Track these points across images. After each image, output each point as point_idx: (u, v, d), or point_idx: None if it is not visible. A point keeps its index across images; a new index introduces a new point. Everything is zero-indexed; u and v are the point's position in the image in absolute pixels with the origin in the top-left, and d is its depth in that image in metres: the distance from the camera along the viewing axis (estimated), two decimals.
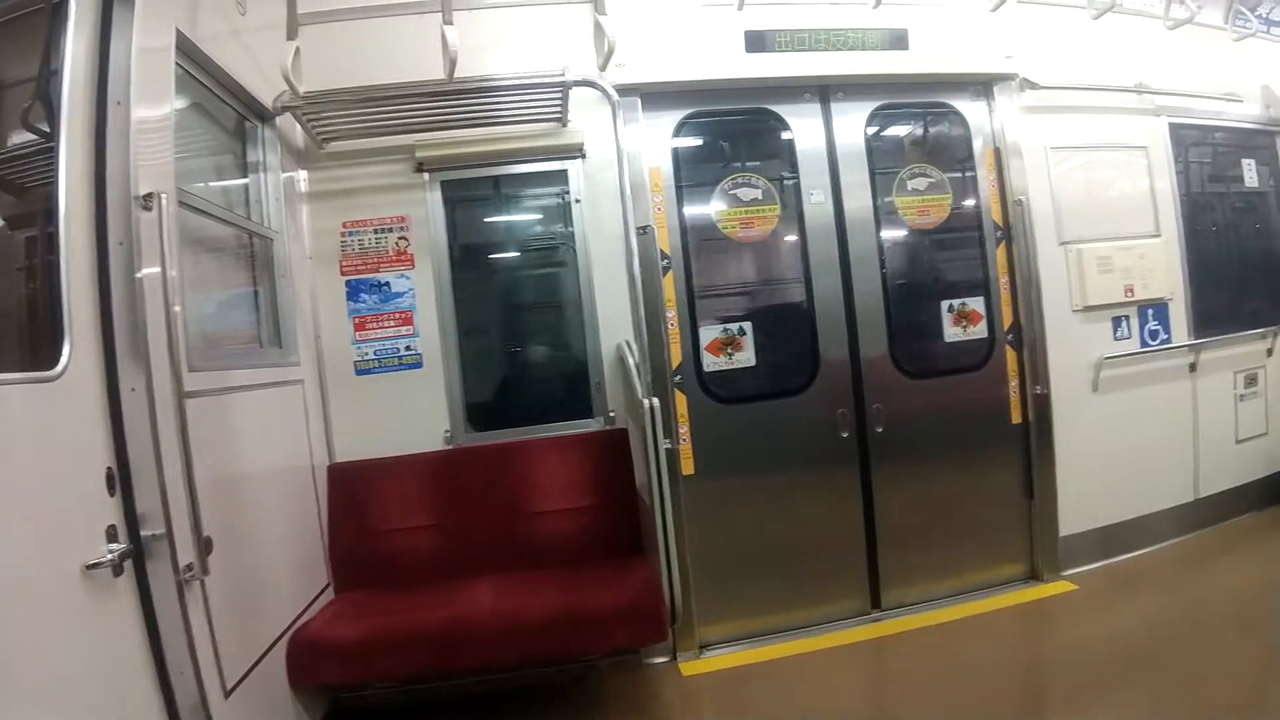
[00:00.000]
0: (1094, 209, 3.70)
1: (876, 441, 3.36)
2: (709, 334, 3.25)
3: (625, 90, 3.07)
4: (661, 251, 3.22)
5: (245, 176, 2.88)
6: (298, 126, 3.03)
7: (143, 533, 1.72)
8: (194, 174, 2.47)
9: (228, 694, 1.97)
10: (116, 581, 1.63)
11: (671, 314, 3.22)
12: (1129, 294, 3.71)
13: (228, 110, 2.71)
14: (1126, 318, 3.75)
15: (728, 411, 3.26)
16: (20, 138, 1.81)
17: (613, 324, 3.20)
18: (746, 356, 3.27)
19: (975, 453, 3.50)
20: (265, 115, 2.87)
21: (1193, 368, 3.92)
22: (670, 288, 3.23)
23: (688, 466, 3.20)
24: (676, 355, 3.22)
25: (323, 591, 2.87)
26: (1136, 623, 3.09)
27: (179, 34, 2.11)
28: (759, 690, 2.88)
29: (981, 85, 3.56)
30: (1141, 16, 3.91)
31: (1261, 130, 4.42)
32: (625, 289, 3.10)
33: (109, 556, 1.59)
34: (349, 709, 2.74)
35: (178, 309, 1.83)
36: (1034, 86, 3.58)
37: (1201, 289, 3.98)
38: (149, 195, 1.80)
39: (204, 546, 1.82)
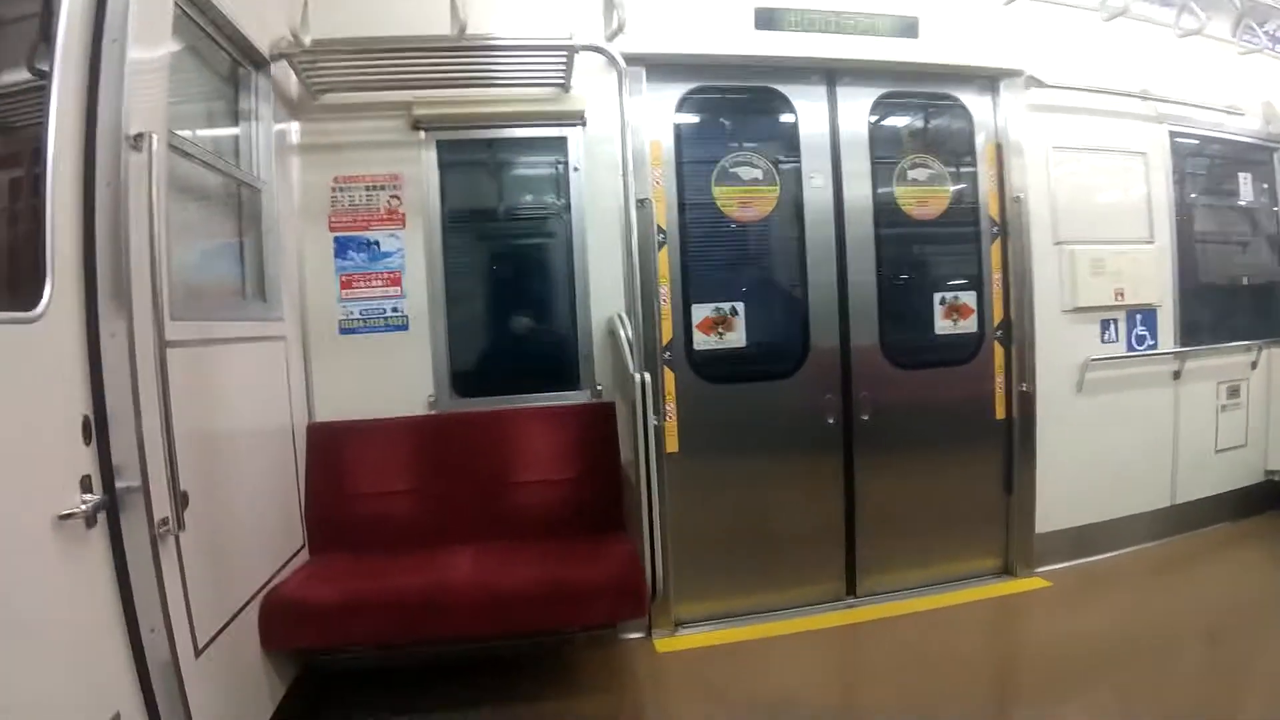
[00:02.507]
0: (1090, 211, 3.72)
1: (862, 429, 3.37)
2: (701, 312, 3.23)
3: (631, 59, 3.02)
4: (658, 226, 3.18)
5: (236, 125, 2.80)
6: (292, 76, 2.95)
7: (118, 484, 1.66)
8: (185, 119, 2.38)
9: (199, 653, 1.93)
10: (90, 533, 1.59)
11: (665, 290, 3.19)
12: (1119, 298, 3.74)
13: (222, 55, 2.63)
14: (1115, 321, 3.77)
15: (716, 391, 3.25)
16: (14, 76, 1.73)
17: (604, 296, 3.17)
18: (737, 337, 3.25)
19: (958, 446, 3.53)
20: (260, 62, 2.79)
21: (1176, 375, 3.96)
22: (665, 263, 3.19)
23: (673, 444, 3.19)
24: (668, 332, 3.20)
25: (297, 553, 2.82)
26: (1106, 623, 3.13)
27: None
28: (731, 670, 2.89)
29: (988, 80, 3.55)
30: (1150, 24, 3.91)
31: (1260, 145, 4.46)
32: (619, 261, 3.09)
33: (83, 507, 1.54)
34: (322, 672, 2.72)
35: (163, 255, 1.77)
36: (1040, 85, 3.57)
37: (1190, 298, 4.02)
38: (139, 135, 1.74)
39: (180, 501, 1.77)
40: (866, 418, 3.35)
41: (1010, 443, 3.58)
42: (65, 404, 1.59)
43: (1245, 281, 4.49)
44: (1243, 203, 4.51)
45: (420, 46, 2.82)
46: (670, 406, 3.19)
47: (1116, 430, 3.78)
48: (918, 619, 3.24)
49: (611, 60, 2.86)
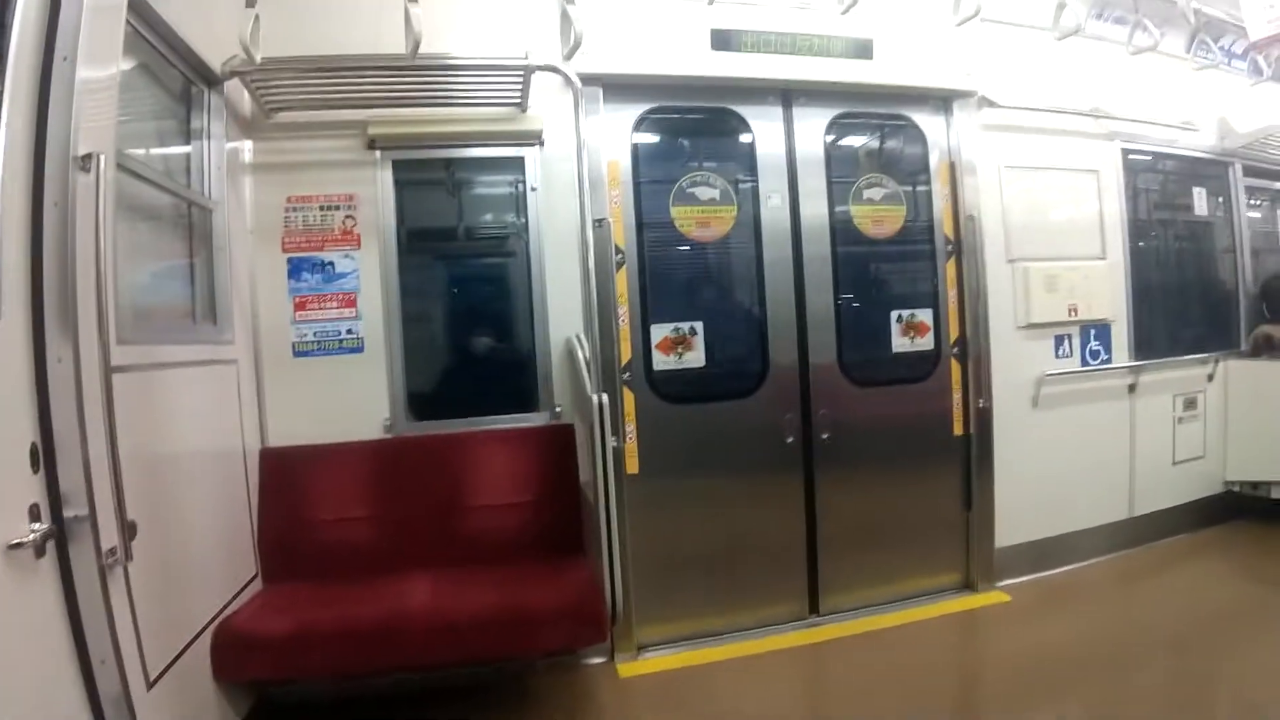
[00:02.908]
0: (1043, 229, 3.78)
1: (822, 447, 3.37)
2: (660, 332, 3.22)
3: (588, 79, 3.02)
4: (616, 246, 3.17)
5: (187, 143, 2.76)
6: (245, 94, 2.91)
7: (65, 513, 1.63)
8: (135, 138, 2.36)
9: (150, 685, 1.90)
10: (39, 563, 1.55)
11: (623, 310, 3.18)
12: (1073, 313, 3.80)
13: (173, 73, 2.60)
14: (1069, 336, 3.83)
15: (675, 411, 3.24)
16: None
17: (563, 317, 3.15)
18: (697, 357, 3.25)
19: (917, 462, 3.55)
20: (212, 80, 2.75)
21: (1132, 389, 4.02)
22: (623, 283, 3.18)
23: (633, 465, 3.17)
24: (626, 352, 3.18)
25: (250, 581, 2.76)
26: (1068, 635, 3.16)
27: None
28: (696, 693, 2.86)
29: (941, 100, 3.60)
30: (1103, 41, 3.99)
31: (1214, 160, 4.56)
32: (577, 282, 3.07)
33: (31, 536, 1.51)
34: (277, 703, 2.66)
35: (110, 278, 1.75)
36: (992, 105, 3.63)
37: (1144, 312, 4.09)
38: (87, 156, 1.72)
39: (127, 530, 1.74)
40: (826, 436, 3.36)
41: (969, 458, 3.60)
42: (12, 431, 1.55)
43: (1200, 295, 4.58)
44: (1197, 217, 4.60)
45: (375, 65, 2.80)
46: (630, 427, 3.17)
47: (1074, 444, 3.83)
48: (881, 636, 3.24)
49: (568, 80, 2.86)
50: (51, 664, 1.60)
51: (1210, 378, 4.35)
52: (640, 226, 3.24)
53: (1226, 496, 4.37)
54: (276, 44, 2.75)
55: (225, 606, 2.50)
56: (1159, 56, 4.03)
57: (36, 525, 1.55)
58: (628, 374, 3.18)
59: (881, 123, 3.60)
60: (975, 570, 3.61)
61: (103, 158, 1.74)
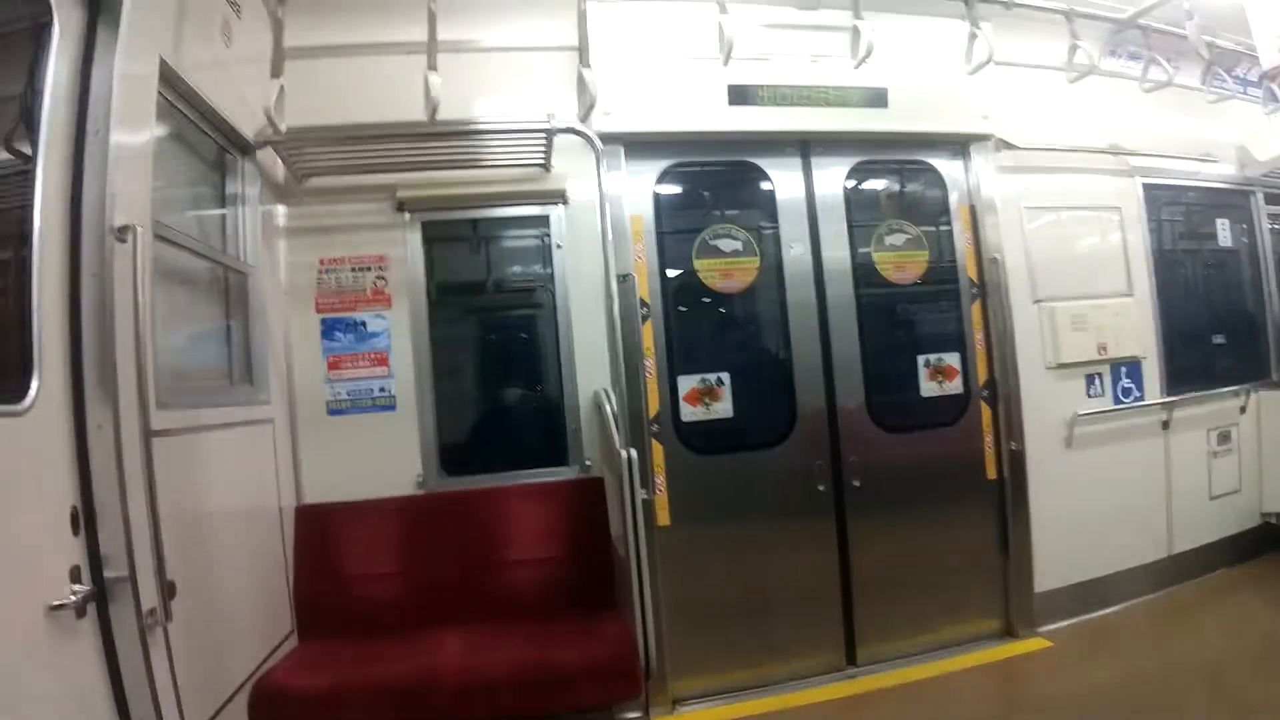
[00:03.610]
0: (1068, 267, 3.77)
1: (853, 495, 3.35)
2: (687, 384, 3.24)
3: (609, 138, 3.09)
4: (641, 300, 3.21)
5: (223, 208, 2.85)
6: (278, 160, 3.02)
7: (106, 575, 1.68)
8: (171, 204, 2.43)
9: None
10: (80, 624, 1.59)
11: (650, 362, 3.20)
12: (1102, 352, 3.77)
13: (208, 141, 2.69)
14: (1100, 375, 3.79)
15: (705, 462, 3.24)
16: None
17: (590, 370, 3.19)
18: (724, 407, 3.25)
19: (951, 508, 3.50)
20: (246, 148, 2.85)
21: (1165, 425, 3.96)
22: (649, 336, 3.22)
23: (663, 517, 3.17)
24: (654, 404, 3.20)
25: (286, 638, 2.79)
26: (1112, 680, 3.07)
27: (162, 62, 2.10)
28: None
29: (958, 145, 3.63)
30: (1118, 78, 4.00)
31: (1236, 190, 4.53)
32: (604, 336, 3.10)
33: (72, 598, 1.56)
34: None
35: (149, 346, 1.80)
36: (1010, 147, 3.66)
37: (1174, 347, 4.05)
38: (124, 228, 1.77)
39: (167, 591, 1.77)
40: (857, 483, 3.34)
41: (1003, 502, 3.55)
42: (54, 495, 1.61)
43: (1229, 326, 4.52)
44: (1222, 247, 4.57)
45: (399, 133, 2.89)
46: (660, 479, 3.18)
47: (1109, 484, 3.76)
48: (921, 687, 3.17)
49: (589, 141, 2.93)
50: None
51: (1243, 409, 4.28)
52: (664, 279, 3.28)
53: (1264, 529, 4.26)
54: (308, 112, 2.85)
55: (262, 663, 2.52)
56: (1175, 90, 4.02)
57: (78, 587, 1.59)
58: (656, 426, 3.19)
59: (900, 169, 3.64)
60: (1015, 616, 3.54)
61: (139, 229, 1.79)
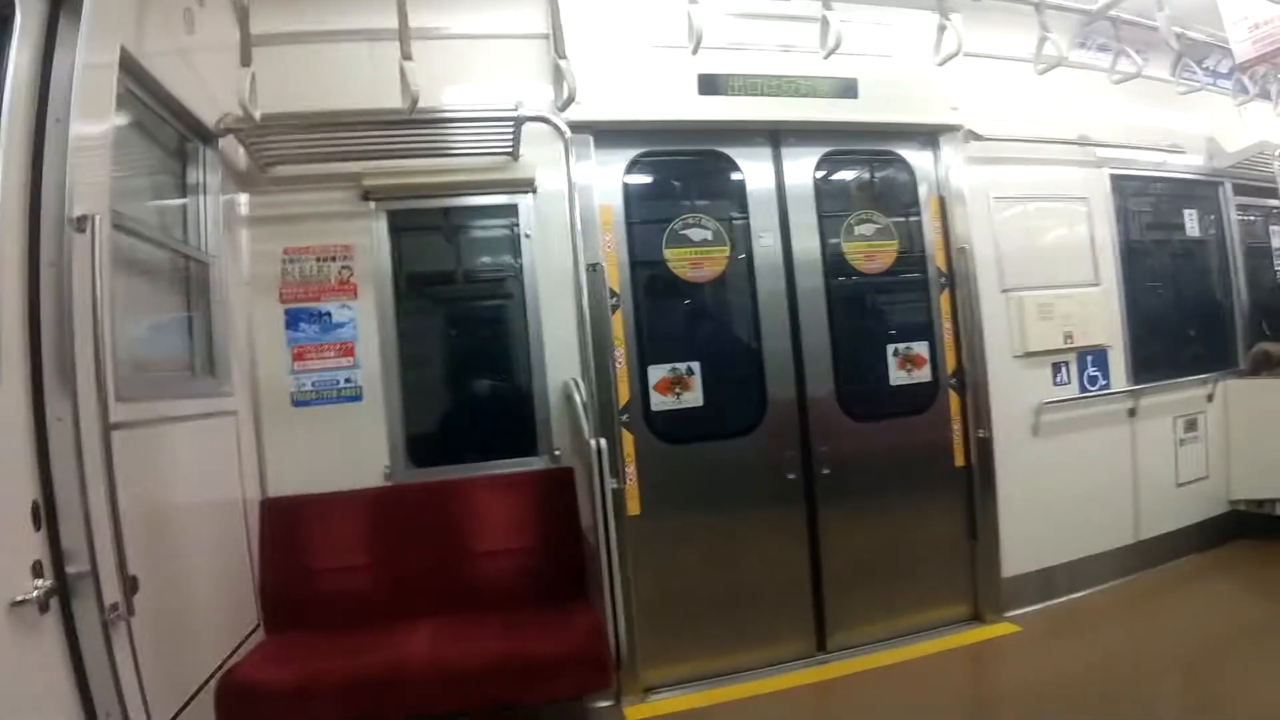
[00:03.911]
0: (1035, 257, 3.81)
1: (823, 483, 3.37)
2: (657, 373, 3.24)
3: (578, 127, 3.05)
4: (611, 290, 3.20)
5: (184, 198, 2.79)
6: (241, 149, 2.96)
7: (68, 569, 1.65)
8: (131, 193, 2.39)
9: None
10: (43, 619, 1.57)
11: (620, 352, 3.20)
12: (1069, 341, 3.81)
13: (168, 130, 2.64)
14: (1066, 364, 3.84)
15: (675, 451, 3.25)
16: None
17: (560, 360, 3.17)
18: (694, 396, 3.26)
19: (920, 495, 3.54)
20: (207, 136, 2.80)
21: (1132, 413, 4.01)
22: (619, 326, 3.21)
23: (634, 506, 3.17)
24: (624, 394, 3.20)
25: (253, 632, 2.75)
26: (1079, 664, 3.12)
27: (123, 51, 2.06)
28: None
29: (928, 135, 3.65)
30: (1087, 70, 4.03)
31: (1204, 180, 4.59)
32: (573, 326, 3.08)
33: (34, 593, 1.53)
34: None
35: (108, 337, 1.77)
36: (979, 138, 3.68)
37: (1141, 336, 4.10)
38: (83, 217, 1.74)
39: (129, 585, 1.75)
40: (827, 471, 3.36)
41: (971, 489, 3.59)
42: (13, 489, 1.58)
43: (1196, 315, 4.59)
44: (1189, 237, 4.63)
45: (366, 120, 2.85)
46: (630, 469, 3.18)
47: (1076, 471, 3.81)
48: (890, 672, 3.20)
49: (558, 129, 2.91)
50: (56, 717, 1.61)
51: (1210, 398, 4.35)
52: (634, 269, 3.27)
53: (1231, 515, 4.34)
54: (271, 100, 2.79)
55: (228, 658, 2.49)
56: (1144, 81, 4.05)
57: (39, 582, 1.57)
58: (626, 415, 3.19)
59: (870, 159, 3.66)
60: (983, 601, 3.58)
61: (98, 218, 1.77)
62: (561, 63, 2.93)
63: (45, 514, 1.63)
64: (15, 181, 1.65)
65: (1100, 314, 3.92)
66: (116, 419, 1.79)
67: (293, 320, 3.09)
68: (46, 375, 1.67)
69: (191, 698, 2.18)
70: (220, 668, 2.41)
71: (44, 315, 1.68)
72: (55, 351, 1.69)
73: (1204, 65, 4.41)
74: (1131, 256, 4.18)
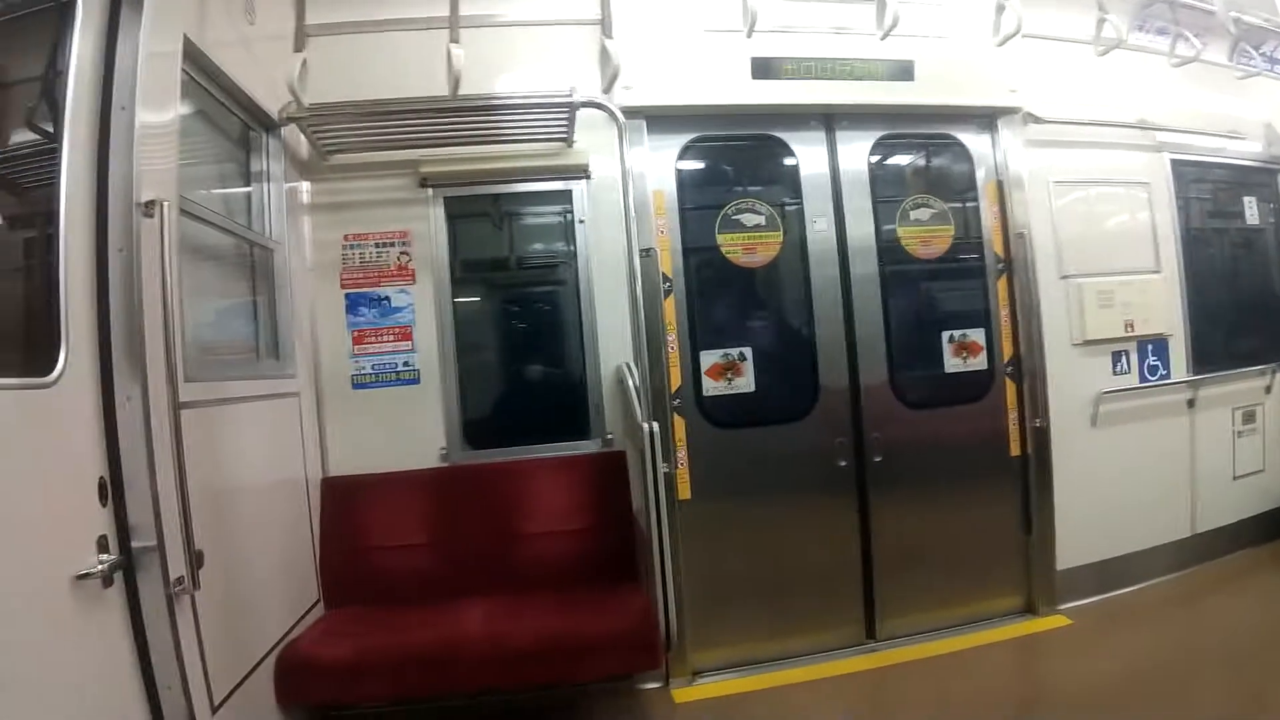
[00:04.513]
0: (1095, 243, 3.72)
1: (874, 470, 3.34)
2: (709, 358, 3.24)
3: (631, 112, 3.07)
4: (664, 274, 3.21)
5: (248, 185, 2.88)
6: (302, 137, 3.02)
7: (134, 544, 1.70)
8: (196, 181, 2.46)
9: (215, 710, 1.94)
10: (106, 593, 1.61)
11: (672, 337, 3.20)
12: (1129, 329, 3.72)
13: (232, 118, 2.71)
14: (1126, 353, 3.75)
15: (726, 436, 3.24)
16: (21, 136, 1.80)
17: (613, 345, 3.20)
18: (746, 382, 3.25)
19: (973, 484, 3.49)
20: (270, 125, 2.87)
21: (1191, 404, 3.92)
22: (671, 311, 3.21)
23: (684, 491, 3.18)
24: (676, 379, 3.20)
25: (312, 607, 2.84)
26: (1132, 659, 3.07)
27: (186, 40, 2.11)
28: None
29: (985, 118, 3.58)
30: (1145, 53, 3.94)
31: (1262, 168, 4.45)
32: (626, 310, 3.11)
33: (99, 567, 1.57)
34: None
35: (176, 319, 1.82)
36: (1037, 120, 3.60)
37: (1201, 325, 3.99)
38: (151, 203, 1.79)
39: (195, 560, 1.80)
40: (879, 459, 3.33)
41: (1026, 479, 3.53)
42: (82, 466, 1.63)
43: (1255, 305, 4.46)
44: (1248, 226, 4.50)
45: (422, 108, 2.88)
46: (681, 453, 3.19)
47: (1133, 462, 3.74)
48: (940, 662, 3.17)
49: (611, 115, 2.92)
50: (118, 690, 1.65)
51: (1268, 389, 4.23)
52: (687, 254, 3.27)
53: None
54: (331, 87, 2.86)
55: (288, 632, 2.56)
56: (1202, 65, 3.97)
57: (105, 556, 1.61)
58: (678, 400, 3.20)
59: (926, 142, 3.60)
60: (1036, 593, 3.53)
61: (166, 204, 1.81)
62: (607, 42, 2.93)
63: (112, 490, 1.68)
64: (81, 168, 1.69)
65: (1161, 302, 3.82)
66: (185, 398, 1.84)
67: (353, 305, 3.16)
68: (115, 356, 1.72)
69: (251, 671, 2.25)
70: (280, 642, 2.48)
71: (113, 298, 1.73)
72: (124, 333, 1.73)
73: (1261, 51, 4.28)
74: (1192, 244, 4.06)
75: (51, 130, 1.70)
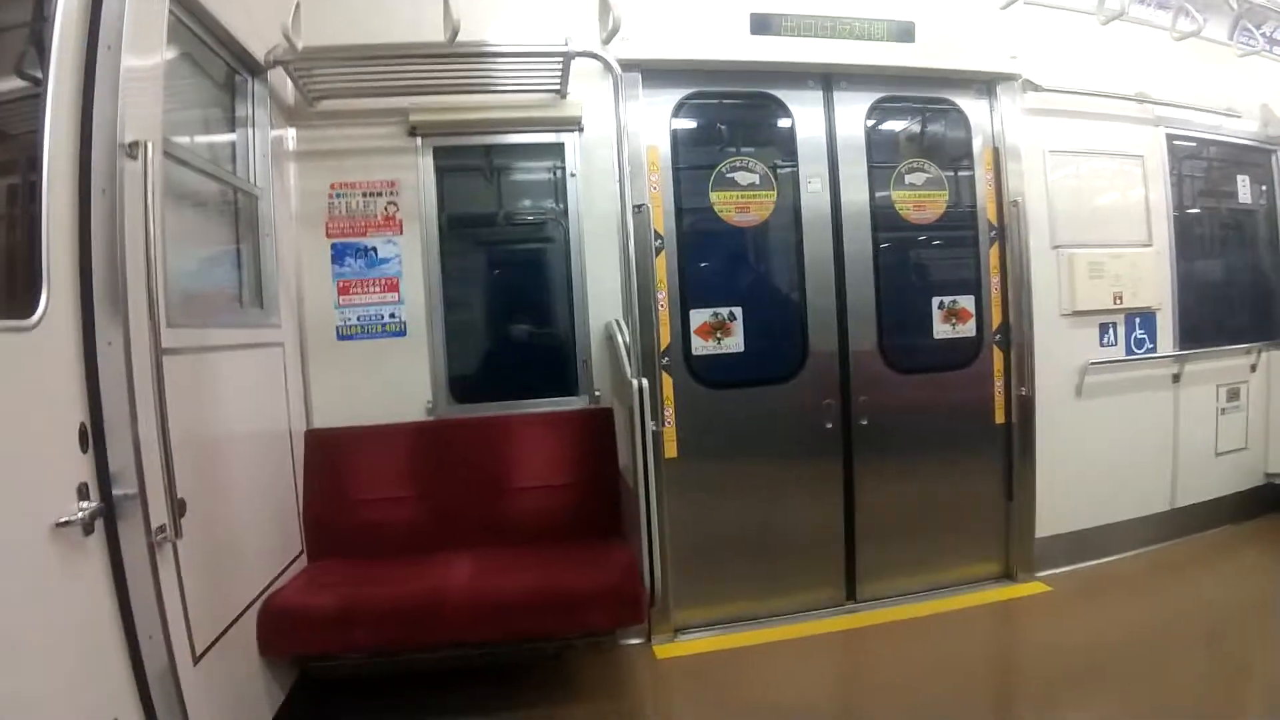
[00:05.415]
0: (1088, 215, 3.72)
1: (861, 434, 3.36)
2: (699, 317, 3.22)
3: (627, 65, 3.00)
4: (655, 232, 3.18)
5: (232, 131, 2.80)
6: (289, 82, 2.95)
7: (115, 492, 1.67)
8: (180, 125, 2.39)
9: (196, 660, 1.93)
10: (86, 541, 1.59)
11: (662, 295, 3.19)
12: (1118, 301, 3.74)
13: (217, 62, 2.63)
14: (1114, 325, 3.77)
15: (714, 396, 3.24)
16: (8, 84, 1.72)
17: (602, 302, 3.18)
18: (735, 342, 3.25)
19: (958, 450, 3.52)
20: (256, 69, 2.79)
21: (1176, 379, 3.96)
22: (662, 268, 3.19)
23: (671, 449, 3.18)
24: (665, 337, 3.20)
25: (295, 559, 2.82)
26: (1107, 627, 3.12)
27: None
28: (732, 676, 2.88)
29: (984, 84, 3.55)
30: (1147, 26, 3.92)
31: (1257, 147, 4.46)
32: (616, 267, 3.09)
33: (79, 515, 1.54)
34: (319, 679, 2.69)
35: (159, 263, 1.78)
36: (1036, 89, 3.57)
37: (1189, 301, 4.02)
38: (134, 144, 1.74)
39: (177, 508, 1.77)
40: (865, 422, 3.34)
41: (1010, 447, 3.56)
42: (62, 412, 1.59)
43: (1244, 283, 4.48)
44: (1241, 205, 4.51)
45: (415, 54, 2.82)
46: (669, 411, 3.18)
47: (1116, 434, 3.77)
48: (919, 624, 3.23)
49: (607, 66, 2.86)
50: (98, 639, 1.63)
51: (1253, 368, 4.27)
52: (679, 212, 3.24)
53: (1268, 488, 4.29)
54: (319, 32, 2.77)
55: (271, 583, 2.55)
56: (1202, 42, 3.95)
57: (85, 504, 1.58)
58: (666, 359, 3.19)
59: (924, 107, 3.56)
60: (1015, 560, 3.58)
61: (150, 145, 1.76)
62: None
63: (93, 436, 1.64)
64: (66, 108, 1.64)
65: (1151, 276, 3.83)
66: (167, 344, 1.80)
67: (339, 255, 3.11)
68: (97, 300, 1.68)
69: (234, 621, 2.23)
70: (263, 593, 2.47)
71: (94, 241, 1.68)
72: (106, 276, 1.69)
73: (1261, 30, 4.27)
74: (1184, 220, 4.08)
75: (37, 74, 1.64)
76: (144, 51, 1.85)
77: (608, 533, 2.99)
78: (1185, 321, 3.97)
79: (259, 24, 2.67)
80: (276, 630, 2.40)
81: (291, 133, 3.09)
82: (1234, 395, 4.19)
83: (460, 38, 2.73)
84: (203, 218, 2.58)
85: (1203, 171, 4.38)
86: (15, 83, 1.69)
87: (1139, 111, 3.87)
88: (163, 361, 1.77)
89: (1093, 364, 3.69)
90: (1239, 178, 4.48)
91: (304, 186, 3.09)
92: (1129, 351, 3.81)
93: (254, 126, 2.83)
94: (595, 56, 2.89)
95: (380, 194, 3.12)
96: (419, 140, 3.13)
